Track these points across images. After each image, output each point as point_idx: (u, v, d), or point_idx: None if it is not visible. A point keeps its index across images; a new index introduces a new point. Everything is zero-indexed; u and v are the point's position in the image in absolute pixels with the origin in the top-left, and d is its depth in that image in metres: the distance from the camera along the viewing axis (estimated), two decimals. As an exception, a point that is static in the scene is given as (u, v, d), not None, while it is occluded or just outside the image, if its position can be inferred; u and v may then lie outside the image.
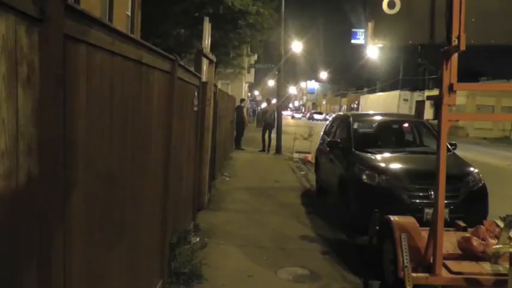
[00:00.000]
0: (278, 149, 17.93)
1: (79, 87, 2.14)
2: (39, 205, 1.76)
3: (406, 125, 8.98)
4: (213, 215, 7.63)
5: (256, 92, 65.02)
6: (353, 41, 36.07)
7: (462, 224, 5.28)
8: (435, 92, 4.31)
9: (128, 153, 3.02)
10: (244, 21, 16.36)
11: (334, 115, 11.83)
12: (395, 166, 6.89)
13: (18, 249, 1.67)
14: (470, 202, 6.29)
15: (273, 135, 18.45)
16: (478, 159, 15.74)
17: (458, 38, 3.86)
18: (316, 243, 6.37)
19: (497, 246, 4.14)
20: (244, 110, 18.98)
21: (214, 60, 8.33)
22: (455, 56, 4.07)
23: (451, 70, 4.08)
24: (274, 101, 22.70)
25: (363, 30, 33.22)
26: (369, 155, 7.33)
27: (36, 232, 1.77)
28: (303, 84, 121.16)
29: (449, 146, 7.08)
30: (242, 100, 21.27)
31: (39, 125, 1.72)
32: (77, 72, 2.10)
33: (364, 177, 6.68)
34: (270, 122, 18.61)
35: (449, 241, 4.71)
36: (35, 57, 1.68)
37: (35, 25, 1.67)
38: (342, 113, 11.75)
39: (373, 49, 37.53)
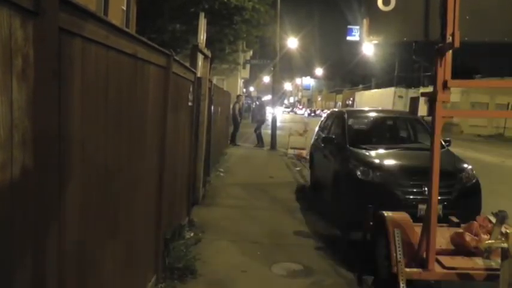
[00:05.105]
0: (273, 145, 17.96)
1: (74, 81, 2.14)
2: (34, 197, 1.76)
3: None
4: (208, 210, 7.64)
5: (252, 88, 64.95)
6: (348, 38, 36.05)
7: (455, 219, 5.31)
8: (430, 89, 4.33)
9: (122, 147, 3.02)
10: (240, 17, 16.35)
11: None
12: (390, 162, 6.91)
13: (13, 240, 1.67)
14: (463, 198, 6.32)
15: (265, 131, 18.66)
16: (472, 156, 15.83)
17: (453, 35, 3.87)
18: (310, 239, 6.39)
19: (489, 241, 4.17)
20: (237, 106, 19.03)
21: (210, 55, 8.31)
22: (449, 53, 4.09)
23: (445, 67, 4.10)
24: (264, 97, 22.92)
25: (358, 27, 33.20)
26: (363, 151, 7.35)
27: (31, 224, 1.77)
28: (298, 80, 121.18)
29: (443, 143, 7.11)
30: (238, 96, 21.35)
31: (34, 117, 1.72)
32: (71, 66, 2.10)
33: (358, 173, 6.71)
34: (262, 118, 18.93)
35: (442, 236, 4.74)
36: (29, 50, 1.68)
37: (30, 18, 1.67)
38: (337, 109, 11.76)
39: (369, 46, 37.54)
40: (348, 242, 6.32)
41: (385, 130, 9.05)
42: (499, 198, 8.50)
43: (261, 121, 19.24)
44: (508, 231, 3.75)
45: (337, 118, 9.29)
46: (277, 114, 25.77)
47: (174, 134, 5.10)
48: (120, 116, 2.92)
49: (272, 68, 20.71)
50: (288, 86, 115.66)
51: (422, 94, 4.38)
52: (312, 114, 68.59)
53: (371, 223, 5.16)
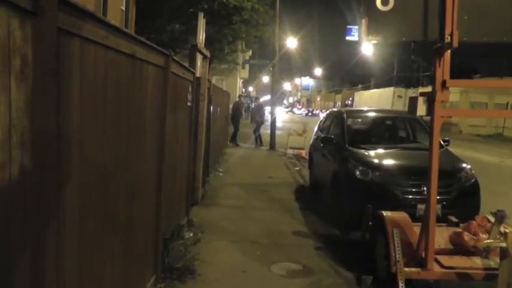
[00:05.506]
0: (272, 145, 17.96)
1: (72, 81, 2.14)
2: (32, 198, 1.76)
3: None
4: (207, 210, 7.64)
5: (251, 88, 64.98)
6: (348, 38, 36.11)
7: (454, 219, 5.32)
8: (429, 89, 4.34)
9: (121, 147, 3.02)
10: (239, 17, 16.33)
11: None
12: (389, 162, 6.92)
13: (12, 240, 1.67)
14: (462, 198, 6.33)
15: (264, 131, 18.76)
16: (471, 156, 15.84)
17: (451, 35, 3.88)
18: (309, 239, 6.39)
19: (488, 241, 4.17)
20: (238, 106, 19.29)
21: (209, 55, 8.31)
22: (448, 52, 4.09)
23: (444, 67, 4.10)
24: (263, 98, 23.03)
25: (357, 27, 33.24)
26: (362, 151, 7.36)
27: (30, 224, 1.77)
28: (297, 80, 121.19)
29: (442, 142, 7.12)
30: (239, 97, 21.65)
31: (32, 118, 1.72)
32: (70, 66, 2.10)
33: (357, 173, 6.71)
34: (261, 119, 19.04)
35: (441, 236, 4.75)
36: (28, 50, 1.68)
37: (29, 18, 1.67)
38: (335, 109, 11.77)
39: (368, 46, 37.58)
40: (347, 242, 6.33)
41: (384, 130, 9.06)
42: (498, 198, 8.51)
43: (260, 122, 19.26)
44: (506, 230, 3.75)
45: (336, 118, 9.29)
46: (278, 115, 25.81)
47: (173, 134, 5.10)
48: (119, 116, 2.92)
49: (271, 68, 20.70)
50: (287, 86, 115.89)
51: (421, 94, 4.40)
52: (309, 114, 70.04)
53: (370, 223, 5.17)
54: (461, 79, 5.99)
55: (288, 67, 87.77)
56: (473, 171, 6.85)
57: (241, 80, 44.02)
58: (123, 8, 12.77)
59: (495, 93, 36.26)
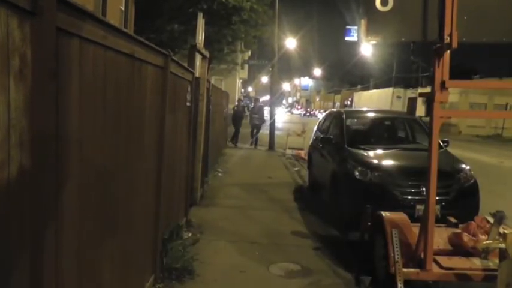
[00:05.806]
0: (271, 146, 17.96)
1: (72, 81, 2.14)
2: (31, 198, 1.76)
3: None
4: (206, 210, 7.64)
5: (250, 88, 65.02)
6: (347, 38, 36.15)
7: (453, 220, 5.32)
8: (428, 89, 4.34)
9: (120, 147, 3.01)
10: (238, 17, 16.34)
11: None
12: (388, 162, 6.92)
13: (10, 240, 1.67)
14: (461, 198, 6.34)
15: (262, 131, 18.88)
16: (470, 156, 15.85)
17: (451, 35, 3.88)
18: (308, 239, 6.39)
19: (487, 242, 4.18)
20: (239, 107, 19.41)
21: (208, 55, 8.31)
22: (447, 53, 4.10)
23: (443, 67, 4.11)
24: (262, 98, 23.04)
25: (356, 27, 33.26)
26: (361, 151, 7.36)
27: (29, 224, 1.77)
28: (296, 80, 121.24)
29: (441, 143, 7.12)
30: (238, 100, 21.82)
31: (31, 118, 1.72)
32: (69, 66, 2.09)
33: (356, 173, 6.71)
34: (260, 121, 19.11)
35: (440, 237, 4.75)
36: (27, 50, 1.67)
37: (27, 18, 1.66)
38: (334, 110, 11.78)
39: (367, 46, 37.63)
40: (345, 242, 6.32)
41: (383, 130, 9.06)
42: (497, 199, 8.52)
43: (260, 124, 19.23)
44: (505, 231, 3.75)
45: (335, 118, 9.29)
46: (278, 116, 25.86)
47: (172, 134, 5.10)
48: (118, 116, 2.91)
49: (270, 69, 20.71)
50: (286, 86, 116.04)
51: (420, 94, 4.39)
52: (307, 114, 71.19)
53: (369, 223, 5.16)
54: (461, 80, 6.00)
55: (287, 67, 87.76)
56: (472, 172, 6.85)
57: (241, 81, 44.00)
58: (123, 8, 12.77)
59: (494, 94, 36.30)
